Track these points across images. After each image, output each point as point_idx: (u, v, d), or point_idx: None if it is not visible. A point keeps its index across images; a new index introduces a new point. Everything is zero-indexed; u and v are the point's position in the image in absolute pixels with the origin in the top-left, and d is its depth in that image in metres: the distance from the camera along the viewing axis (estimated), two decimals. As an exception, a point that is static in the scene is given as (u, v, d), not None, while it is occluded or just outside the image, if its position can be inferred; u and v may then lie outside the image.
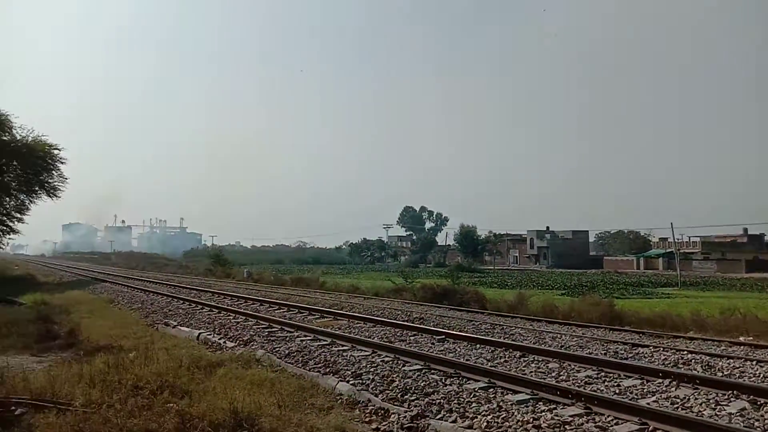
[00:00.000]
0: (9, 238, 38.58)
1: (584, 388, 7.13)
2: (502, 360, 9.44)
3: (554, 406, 6.50)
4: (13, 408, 5.66)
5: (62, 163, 34.37)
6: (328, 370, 8.49)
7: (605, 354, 10.13)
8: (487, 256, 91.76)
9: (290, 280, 33.53)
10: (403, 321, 14.42)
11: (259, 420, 5.89)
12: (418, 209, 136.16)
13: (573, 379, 7.97)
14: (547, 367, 8.80)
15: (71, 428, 5.47)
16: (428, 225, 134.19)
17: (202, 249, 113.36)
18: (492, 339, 11.27)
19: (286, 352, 9.91)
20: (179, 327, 13.38)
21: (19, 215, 35.25)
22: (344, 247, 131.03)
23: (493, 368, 8.38)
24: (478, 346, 10.71)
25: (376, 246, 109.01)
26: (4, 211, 34.78)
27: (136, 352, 9.64)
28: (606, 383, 7.73)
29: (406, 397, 7.00)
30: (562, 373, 8.34)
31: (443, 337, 11.55)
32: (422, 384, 7.57)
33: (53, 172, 34.29)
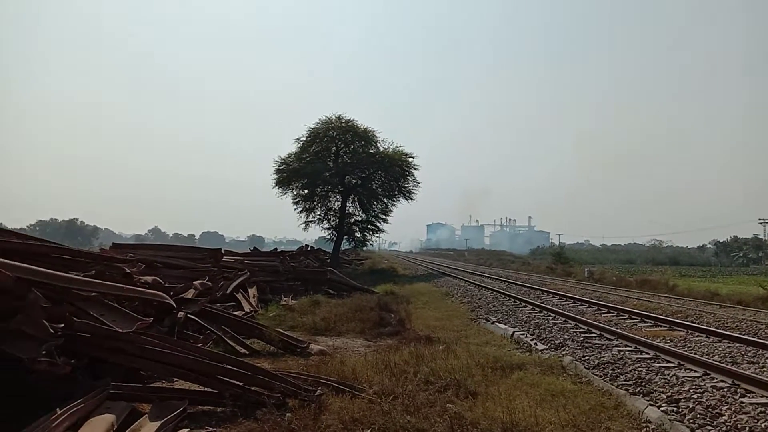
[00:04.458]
0: (376, 236, 45.19)
1: None
2: None
3: None
4: (314, 389, 6.30)
5: (416, 169, 38.68)
6: (638, 389, 7.21)
7: None
8: None
9: (634, 281, 30.62)
10: (763, 338, 11.52)
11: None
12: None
13: None
14: None
15: (356, 414, 5.80)
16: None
17: (548, 247, 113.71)
18: None
19: (596, 362, 8.83)
20: (497, 324, 13.39)
21: (384, 216, 40.84)
22: (709, 246, 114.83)
23: None
24: None
25: (751, 245, 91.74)
26: (373, 214, 40.75)
27: (444, 345, 9.96)
28: None
29: (734, 439, 5.41)
30: None
31: (818, 363, 8.72)
32: (764, 425, 5.74)
33: (408, 177, 38.87)
